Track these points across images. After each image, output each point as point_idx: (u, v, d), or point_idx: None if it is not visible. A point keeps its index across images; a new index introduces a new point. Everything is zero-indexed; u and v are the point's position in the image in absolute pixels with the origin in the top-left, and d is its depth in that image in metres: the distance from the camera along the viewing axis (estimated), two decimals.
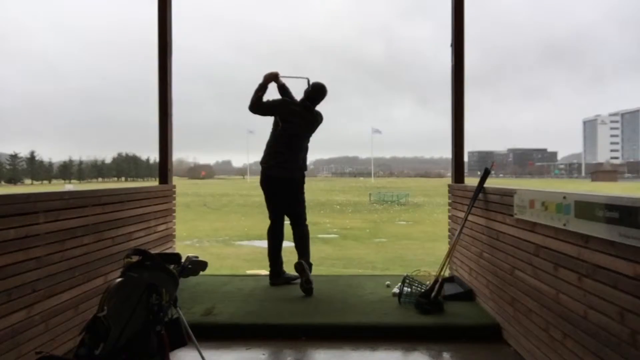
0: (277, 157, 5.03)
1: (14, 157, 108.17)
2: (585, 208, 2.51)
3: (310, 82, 5.13)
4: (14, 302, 2.86)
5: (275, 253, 5.22)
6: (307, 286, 4.70)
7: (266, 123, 5.22)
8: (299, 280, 4.84)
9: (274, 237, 5.20)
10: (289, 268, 5.18)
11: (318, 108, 5.23)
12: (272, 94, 5.13)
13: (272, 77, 5.10)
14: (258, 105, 5.00)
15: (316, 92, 5.14)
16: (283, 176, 5.04)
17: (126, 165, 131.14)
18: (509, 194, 3.56)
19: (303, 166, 5.21)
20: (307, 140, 5.23)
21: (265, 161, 5.09)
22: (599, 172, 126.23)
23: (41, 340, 3.08)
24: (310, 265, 4.93)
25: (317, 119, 5.23)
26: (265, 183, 5.10)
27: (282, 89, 5.24)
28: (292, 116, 5.04)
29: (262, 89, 5.02)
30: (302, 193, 5.21)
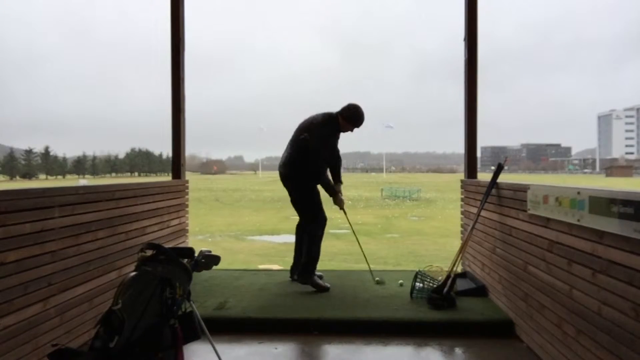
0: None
1: (29, 152, 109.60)
2: (599, 203, 2.48)
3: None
4: (30, 296, 2.90)
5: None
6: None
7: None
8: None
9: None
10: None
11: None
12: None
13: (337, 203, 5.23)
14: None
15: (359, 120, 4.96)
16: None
17: (139, 160, 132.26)
18: (523, 189, 3.54)
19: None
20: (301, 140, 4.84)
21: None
22: (613, 168, 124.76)
23: (57, 333, 3.13)
24: (309, 275, 4.75)
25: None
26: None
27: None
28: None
29: (326, 187, 5.03)
30: (299, 192, 4.95)
